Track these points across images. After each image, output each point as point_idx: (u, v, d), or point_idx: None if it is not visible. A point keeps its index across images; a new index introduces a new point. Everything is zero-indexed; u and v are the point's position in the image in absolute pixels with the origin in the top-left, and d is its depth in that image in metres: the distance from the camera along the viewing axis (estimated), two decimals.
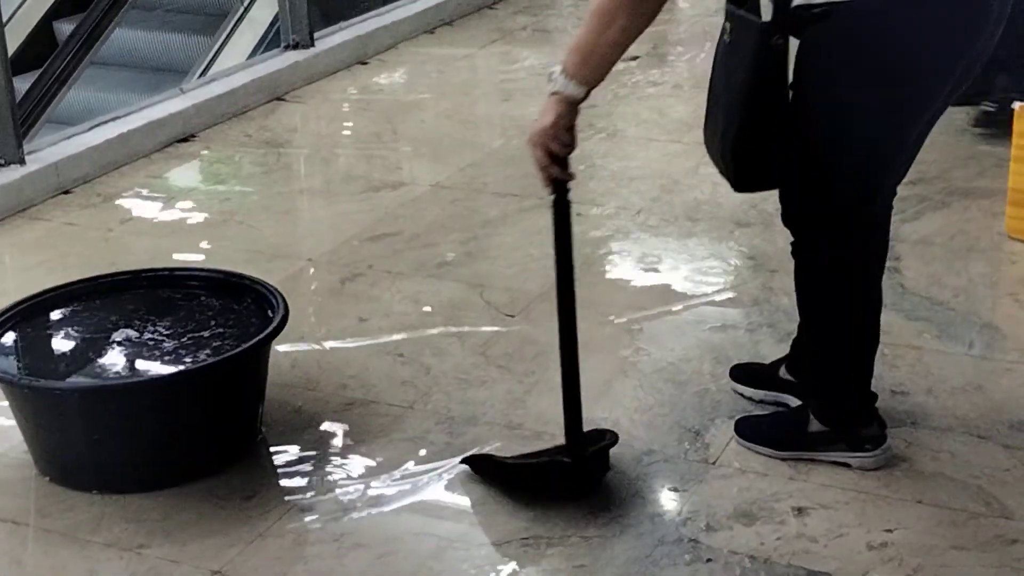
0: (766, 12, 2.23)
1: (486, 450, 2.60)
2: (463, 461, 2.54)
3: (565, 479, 2.47)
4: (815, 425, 2.52)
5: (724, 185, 3.70)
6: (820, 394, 2.54)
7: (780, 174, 2.38)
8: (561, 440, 2.46)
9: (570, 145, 2.27)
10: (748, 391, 2.79)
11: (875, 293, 2.50)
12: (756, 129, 2.26)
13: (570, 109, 2.22)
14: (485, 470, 2.51)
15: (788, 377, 2.74)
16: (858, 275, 2.47)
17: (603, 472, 2.51)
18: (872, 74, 2.26)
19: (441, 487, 2.50)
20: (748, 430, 2.61)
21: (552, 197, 2.35)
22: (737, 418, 2.66)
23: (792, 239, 2.48)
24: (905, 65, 2.26)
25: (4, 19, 3.97)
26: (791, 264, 3.38)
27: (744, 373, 2.83)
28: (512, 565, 2.26)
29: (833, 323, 2.52)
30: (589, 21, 2.18)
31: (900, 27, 2.21)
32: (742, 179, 2.39)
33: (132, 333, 2.65)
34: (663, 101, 4.69)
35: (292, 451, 2.63)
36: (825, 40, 2.25)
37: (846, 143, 2.32)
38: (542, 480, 2.51)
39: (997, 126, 4.13)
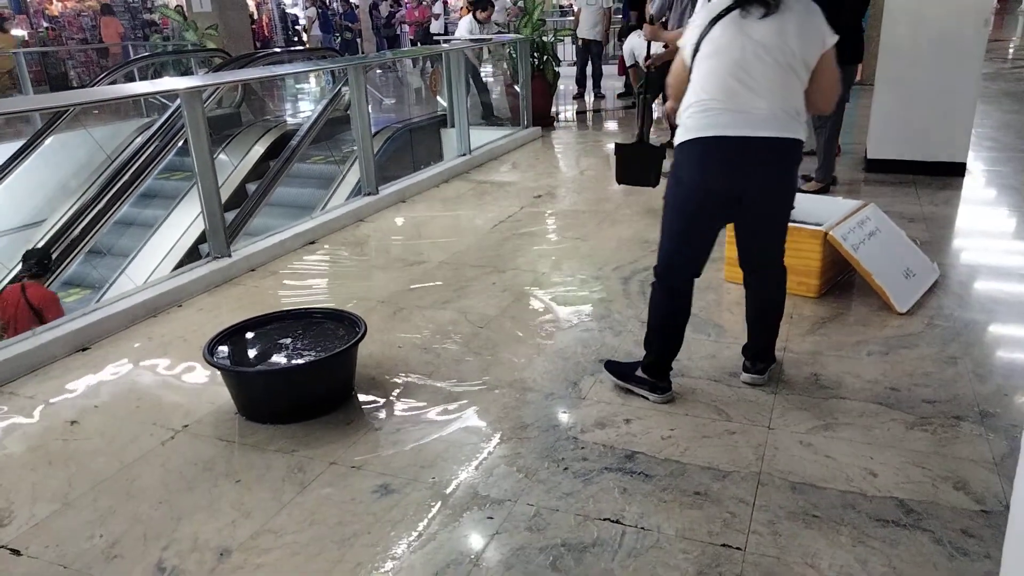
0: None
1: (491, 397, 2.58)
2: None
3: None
4: (639, 371, 2.51)
5: (592, 263, 3.71)
6: (644, 357, 2.51)
7: None
8: None
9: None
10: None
11: (675, 318, 2.45)
12: None
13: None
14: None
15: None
16: (661, 308, 2.44)
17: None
18: (671, 186, 2.31)
19: (448, 413, 2.48)
20: (611, 367, 2.59)
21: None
22: (606, 360, 2.64)
23: None
24: (678, 183, 2.29)
25: (220, 183, 3.94)
26: (625, 299, 3.41)
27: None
28: (483, 453, 2.25)
29: (649, 327, 2.50)
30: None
31: (680, 158, 2.26)
32: None
33: (288, 341, 2.63)
34: (556, 218, 4.73)
35: (370, 399, 2.61)
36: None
37: (664, 230, 2.37)
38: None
39: None
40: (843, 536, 1.84)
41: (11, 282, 5.25)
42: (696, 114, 2.19)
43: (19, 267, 5.10)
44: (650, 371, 2.48)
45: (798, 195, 3.87)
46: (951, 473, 2.07)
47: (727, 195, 2.27)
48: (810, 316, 3.11)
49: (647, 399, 2.48)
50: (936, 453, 2.16)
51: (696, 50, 2.19)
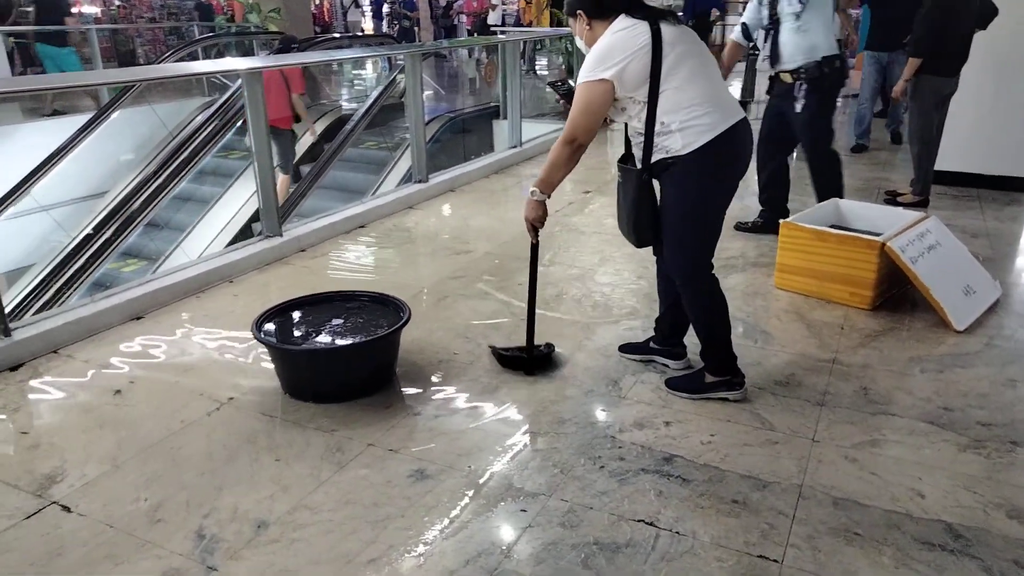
0: (638, 163, 2.31)
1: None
2: (491, 350, 2.74)
3: (524, 365, 2.65)
4: (709, 378, 2.46)
5: (637, 259, 3.67)
6: (708, 363, 2.47)
7: (658, 245, 2.43)
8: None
9: (543, 222, 2.42)
10: (632, 357, 2.74)
11: (723, 306, 2.42)
12: (640, 220, 2.36)
13: (541, 205, 2.38)
14: (496, 355, 2.71)
15: (655, 346, 2.70)
16: (709, 301, 2.39)
17: (544, 365, 2.68)
18: (691, 194, 2.26)
19: (486, 403, 2.48)
20: (673, 384, 2.53)
21: (531, 243, 2.54)
22: (666, 378, 2.56)
23: (677, 280, 2.42)
24: (704, 189, 2.26)
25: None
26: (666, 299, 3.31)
27: (627, 348, 2.78)
28: (519, 445, 2.24)
29: (704, 326, 2.44)
30: (548, 168, 2.31)
31: (699, 171, 2.21)
32: (640, 243, 2.43)
33: (336, 322, 2.65)
34: (604, 213, 4.67)
35: (411, 385, 2.61)
36: (672, 176, 2.26)
37: (689, 229, 2.32)
38: (512, 363, 2.67)
39: (756, 232, 4.14)
40: (885, 557, 1.78)
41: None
42: (699, 116, 2.18)
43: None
44: (721, 370, 2.44)
45: (855, 202, 3.80)
46: (1004, 500, 1.98)
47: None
48: (863, 328, 3.01)
49: (728, 399, 2.43)
50: (989, 478, 2.07)
51: (657, 69, 2.15)
